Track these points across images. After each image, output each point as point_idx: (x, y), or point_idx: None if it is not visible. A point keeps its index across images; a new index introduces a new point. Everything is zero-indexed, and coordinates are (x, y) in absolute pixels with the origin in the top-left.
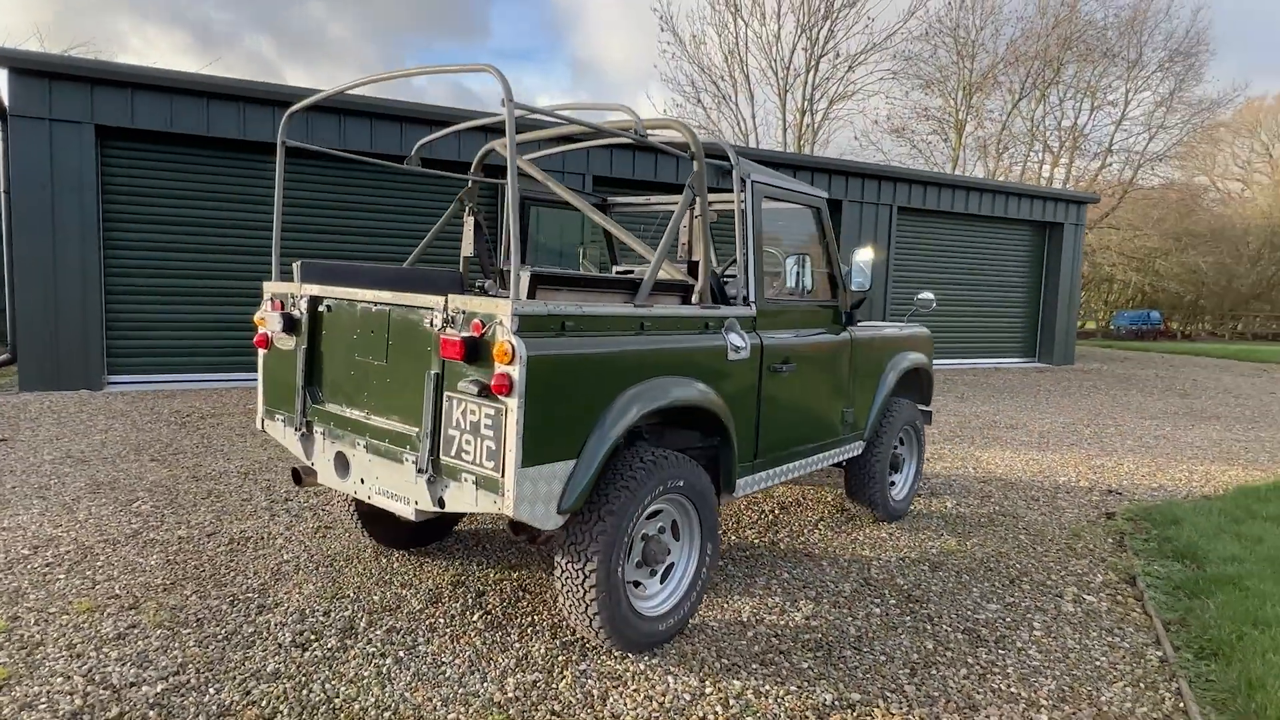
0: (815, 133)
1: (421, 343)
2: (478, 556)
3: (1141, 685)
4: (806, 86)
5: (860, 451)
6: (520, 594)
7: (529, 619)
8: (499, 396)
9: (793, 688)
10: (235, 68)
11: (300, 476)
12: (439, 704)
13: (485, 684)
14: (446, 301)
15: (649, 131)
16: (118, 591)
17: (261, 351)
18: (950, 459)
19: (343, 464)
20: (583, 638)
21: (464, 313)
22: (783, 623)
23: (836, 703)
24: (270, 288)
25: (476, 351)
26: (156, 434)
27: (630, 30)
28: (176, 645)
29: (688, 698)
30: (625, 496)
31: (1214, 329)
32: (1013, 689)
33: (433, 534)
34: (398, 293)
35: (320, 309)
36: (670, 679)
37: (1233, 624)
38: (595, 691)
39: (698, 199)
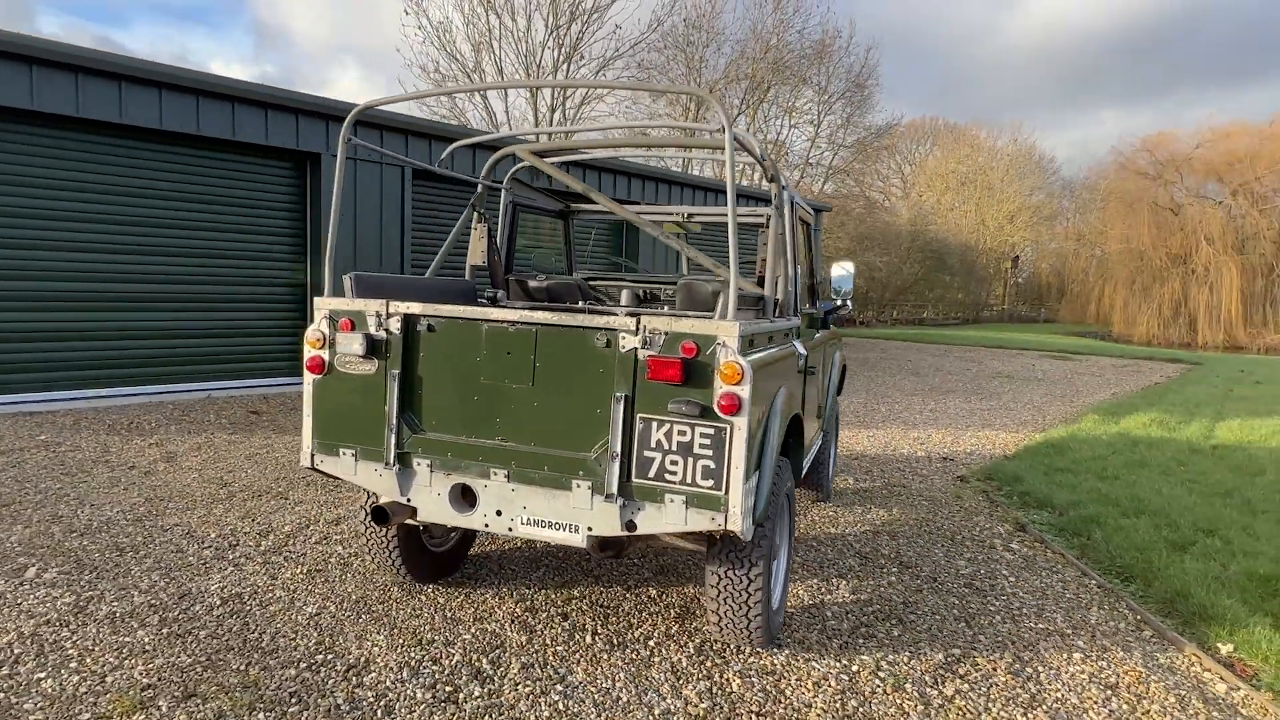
0: (569, 135)
1: (593, 364)
2: (507, 582)
3: (1105, 608)
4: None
5: (822, 440)
6: (603, 610)
7: (639, 632)
8: (725, 416)
9: (905, 653)
10: None
11: (387, 514)
12: (591, 703)
13: (669, 699)
14: (640, 323)
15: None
16: (146, 680)
17: (313, 378)
18: None
19: (466, 497)
20: (717, 641)
21: (667, 334)
22: (838, 600)
23: (946, 659)
24: (330, 304)
25: (691, 373)
26: None
27: None
28: None
29: (846, 678)
30: (787, 502)
31: (877, 316)
32: (1031, 622)
33: (453, 565)
34: (552, 312)
35: (419, 329)
36: (815, 664)
37: (1128, 552)
38: (769, 688)
39: (774, 217)
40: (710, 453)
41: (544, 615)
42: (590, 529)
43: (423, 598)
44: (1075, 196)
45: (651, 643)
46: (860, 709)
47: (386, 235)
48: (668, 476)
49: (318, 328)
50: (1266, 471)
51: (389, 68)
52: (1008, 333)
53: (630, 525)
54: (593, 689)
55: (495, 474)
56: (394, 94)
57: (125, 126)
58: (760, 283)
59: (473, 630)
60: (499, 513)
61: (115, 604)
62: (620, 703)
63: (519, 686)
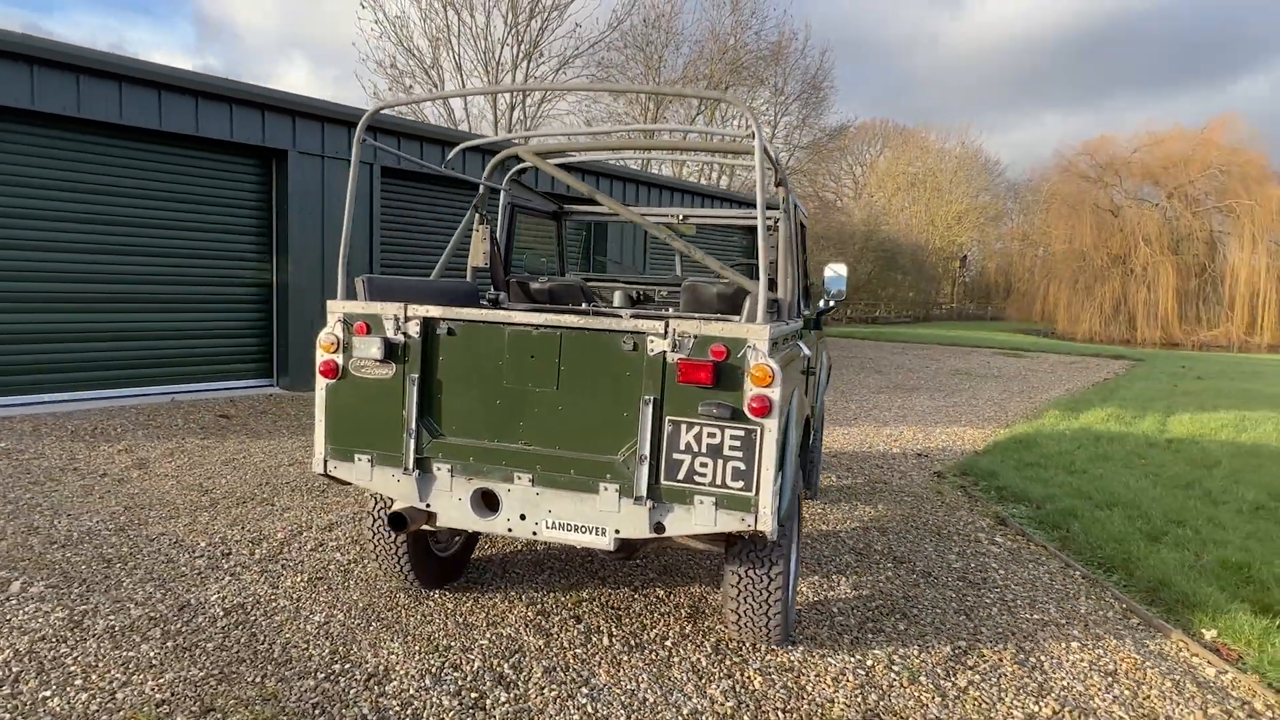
0: (530, 127)
1: (619, 367)
2: (514, 585)
3: (1092, 598)
4: (514, 82)
5: (812, 438)
6: (615, 612)
7: (654, 633)
8: (756, 418)
9: (914, 646)
10: None
11: (405, 520)
12: (621, 704)
13: (694, 699)
14: (669, 326)
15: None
16: (159, 696)
17: (326, 382)
18: None
19: (488, 501)
20: (732, 640)
21: (696, 337)
22: (842, 596)
23: (954, 651)
24: (345, 307)
25: (722, 376)
26: None
27: None
28: None
29: (862, 672)
30: (796, 502)
31: (833, 314)
32: (1026, 613)
33: (458, 569)
34: (576, 316)
35: (438, 332)
36: (830, 660)
37: (1107, 544)
38: (790, 684)
39: (783, 221)
40: (741, 454)
41: (557, 618)
42: (618, 531)
43: (431, 603)
44: (1019, 198)
45: (668, 643)
46: (881, 703)
47: (355, 234)
48: (697, 478)
49: (331, 331)
50: (1221, 464)
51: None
52: (958, 330)
53: (659, 527)
54: (618, 690)
55: (519, 478)
56: (399, 95)
57: (82, 121)
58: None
59: (488, 635)
60: (523, 517)
61: (112, 618)
62: (647, 704)
63: (545, 690)
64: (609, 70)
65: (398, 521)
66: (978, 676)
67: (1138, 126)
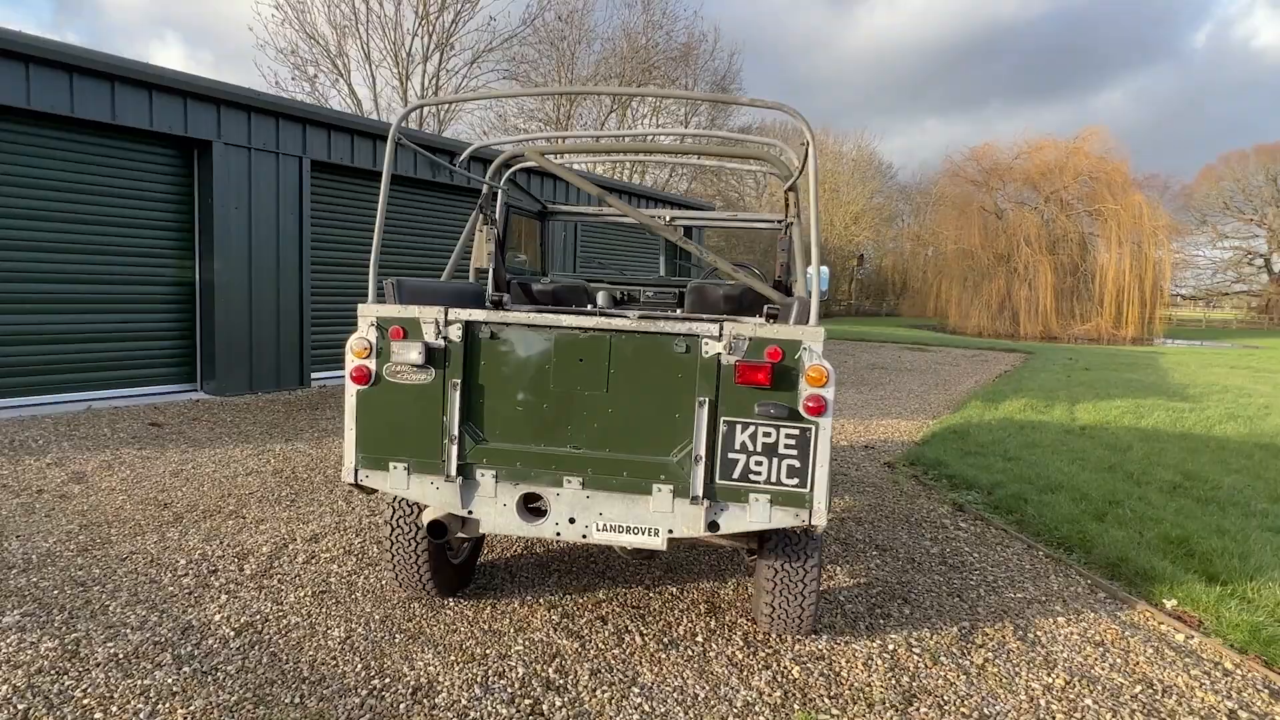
0: (442, 124)
1: (671, 369)
2: (527, 589)
3: (1060, 576)
4: (424, 75)
5: None
6: (636, 611)
7: (682, 630)
8: (811, 417)
9: (925, 629)
10: None
11: (445, 528)
12: (735, 715)
13: (743, 691)
14: (723, 329)
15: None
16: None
17: (357, 389)
18: None
19: (533, 506)
20: (757, 632)
21: (751, 339)
22: (843, 585)
23: (961, 631)
24: (379, 311)
25: (777, 377)
26: None
27: None
28: None
29: (888, 656)
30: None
31: None
32: (1010, 592)
33: (468, 576)
34: (623, 318)
35: (481, 336)
36: (855, 646)
37: (1060, 525)
38: (826, 671)
39: (795, 226)
40: (795, 452)
41: (582, 620)
42: (670, 531)
43: (449, 612)
44: (910, 200)
45: (699, 639)
46: (914, 684)
47: (284, 230)
48: (752, 477)
49: (363, 336)
50: (1133, 448)
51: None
52: (861, 326)
53: (713, 526)
54: (667, 688)
55: (569, 481)
56: (418, 93)
57: None
58: (777, 286)
59: (520, 641)
60: (572, 520)
61: (111, 645)
62: (700, 698)
63: (596, 692)
64: (522, 65)
65: (438, 529)
66: (990, 654)
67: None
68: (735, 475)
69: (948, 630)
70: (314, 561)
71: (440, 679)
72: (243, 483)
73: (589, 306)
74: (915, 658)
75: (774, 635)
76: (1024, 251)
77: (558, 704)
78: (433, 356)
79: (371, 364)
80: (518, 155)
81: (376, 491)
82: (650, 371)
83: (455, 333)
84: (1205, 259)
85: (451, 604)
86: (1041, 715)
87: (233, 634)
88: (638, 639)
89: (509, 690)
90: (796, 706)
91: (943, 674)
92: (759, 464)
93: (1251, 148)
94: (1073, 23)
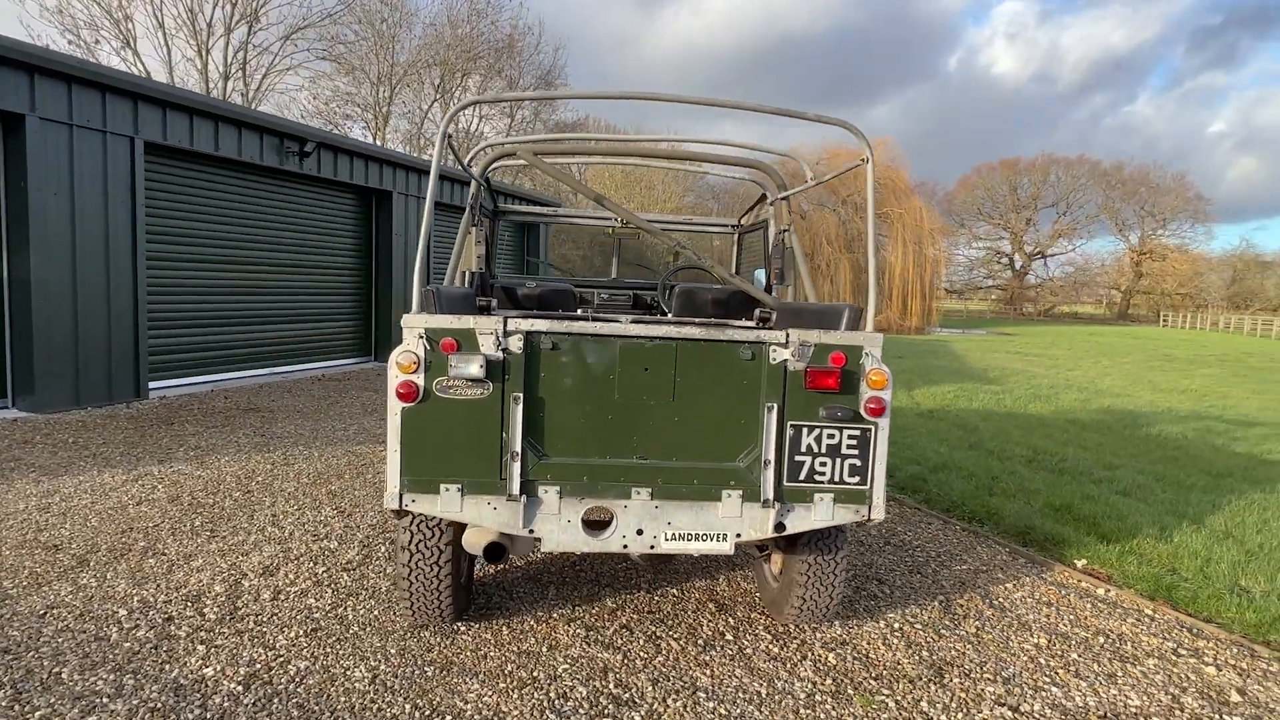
0: (250, 101)
1: (736, 376)
2: (535, 607)
3: (983, 547)
4: (228, 48)
5: None
6: (654, 616)
7: (709, 630)
8: (872, 418)
9: (912, 606)
10: None
11: (503, 550)
12: (804, 707)
13: (797, 682)
14: (789, 335)
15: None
16: None
17: (403, 406)
18: None
19: (599, 521)
20: (776, 625)
21: (814, 345)
22: None
23: (940, 604)
24: (429, 322)
25: (843, 380)
26: None
27: None
28: None
29: (900, 634)
30: None
31: None
32: (954, 565)
33: (470, 598)
34: (693, 326)
35: (541, 347)
36: (866, 627)
37: (963, 500)
38: (856, 655)
39: (790, 233)
40: (857, 452)
41: (609, 631)
42: (739, 535)
43: (467, 637)
44: (719, 199)
45: (728, 638)
46: (933, 656)
47: (114, 220)
48: (817, 477)
49: (411, 350)
50: (979, 428)
51: None
52: None
53: (780, 527)
54: (728, 688)
55: (638, 493)
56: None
57: None
58: (768, 289)
59: (560, 659)
60: (640, 532)
61: (118, 702)
62: (764, 696)
63: (668, 700)
64: (338, 46)
65: (496, 552)
66: (977, 623)
67: (815, 143)
68: (801, 476)
69: (930, 604)
70: (284, 597)
71: (504, 708)
72: (138, 513)
73: (578, 310)
74: (920, 633)
75: (791, 626)
76: (826, 250)
77: (645, 713)
78: (490, 369)
79: (419, 379)
80: (508, 153)
81: (435, 517)
82: (715, 379)
83: (516, 344)
84: (964, 257)
85: (463, 628)
86: (1046, 670)
87: (240, 689)
88: (673, 644)
89: (583, 711)
90: (851, 691)
91: (952, 645)
92: (823, 465)
93: (998, 161)
94: (852, 42)
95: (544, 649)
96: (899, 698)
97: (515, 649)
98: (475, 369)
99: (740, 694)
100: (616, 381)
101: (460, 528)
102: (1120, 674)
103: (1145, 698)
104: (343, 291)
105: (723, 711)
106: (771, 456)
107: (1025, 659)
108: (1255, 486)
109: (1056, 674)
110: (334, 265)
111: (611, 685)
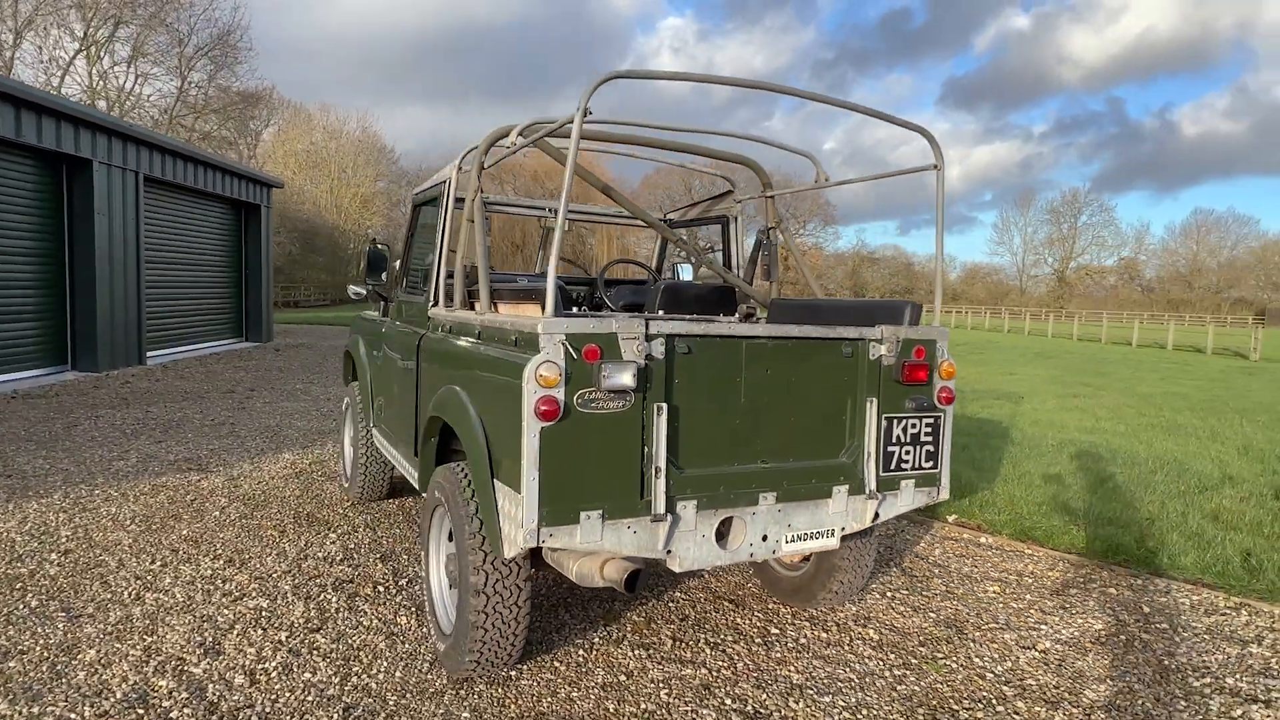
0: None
1: (836, 372)
2: (566, 626)
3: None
4: None
5: None
6: (690, 622)
7: (749, 627)
8: (944, 406)
9: (883, 576)
10: None
11: (637, 579)
12: (898, 683)
13: (861, 664)
14: (883, 332)
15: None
16: None
17: (543, 426)
18: None
19: (725, 532)
20: (802, 612)
21: (902, 340)
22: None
23: (903, 571)
24: (566, 326)
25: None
26: None
27: None
28: None
29: (900, 601)
30: None
31: None
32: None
33: None
34: (807, 325)
35: (679, 352)
36: (872, 601)
37: None
38: (886, 630)
39: (776, 230)
40: (931, 438)
41: (666, 647)
42: (843, 529)
43: (527, 682)
44: (412, 185)
45: (774, 631)
46: (940, 616)
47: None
48: (903, 465)
49: (552, 360)
50: None
51: None
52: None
53: (875, 516)
54: (819, 683)
55: (764, 498)
56: None
57: None
58: (750, 283)
59: (651, 684)
60: (764, 537)
61: None
62: (853, 682)
63: (790, 703)
64: None
65: (635, 581)
66: (939, 582)
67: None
68: (893, 466)
69: (895, 572)
70: (283, 650)
71: None
72: (52, 564)
73: (581, 308)
74: (911, 598)
75: (811, 612)
76: (532, 241)
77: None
78: (640, 379)
79: (561, 394)
80: (502, 133)
81: (569, 551)
82: (820, 376)
83: (658, 348)
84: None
85: (515, 675)
86: (1008, 607)
87: None
88: (737, 648)
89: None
90: (915, 660)
91: (943, 604)
92: (908, 453)
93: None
94: (532, 36)
95: (621, 678)
96: (952, 659)
97: (593, 683)
98: (628, 378)
99: (839, 683)
100: (743, 384)
101: (539, 558)
102: (1066, 606)
103: (1099, 622)
104: (25, 285)
105: (837, 704)
106: (874, 449)
107: (1002, 605)
108: (1004, 439)
109: (1032, 615)
110: (11, 250)
111: (726, 698)
